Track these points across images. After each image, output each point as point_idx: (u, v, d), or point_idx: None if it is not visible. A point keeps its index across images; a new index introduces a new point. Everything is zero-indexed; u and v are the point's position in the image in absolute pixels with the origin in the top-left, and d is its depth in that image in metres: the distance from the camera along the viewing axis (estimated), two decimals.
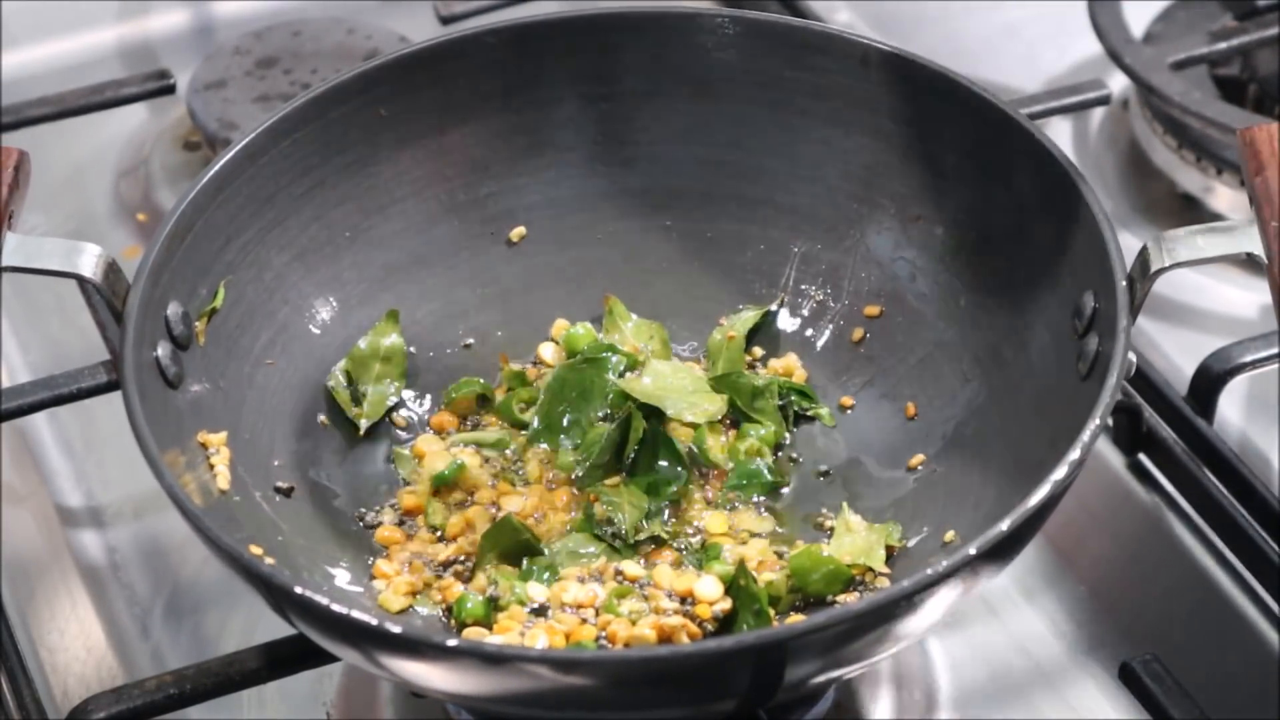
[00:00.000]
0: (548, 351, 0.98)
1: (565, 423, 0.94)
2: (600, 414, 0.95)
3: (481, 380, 0.96)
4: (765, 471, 0.93)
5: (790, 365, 0.97)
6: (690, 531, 0.91)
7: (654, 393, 0.94)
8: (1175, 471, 0.97)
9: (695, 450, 0.93)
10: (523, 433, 0.95)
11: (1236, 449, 0.97)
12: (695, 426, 0.94)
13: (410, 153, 0.97)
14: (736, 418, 0.95)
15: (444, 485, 0.92)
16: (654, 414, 0.93)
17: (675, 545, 0.90)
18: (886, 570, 0.88)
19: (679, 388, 0.95)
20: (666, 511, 0.91)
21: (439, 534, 0.91)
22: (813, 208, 0.99)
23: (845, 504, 0.91)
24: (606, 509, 0.91)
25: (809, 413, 0.96)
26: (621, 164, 1.00)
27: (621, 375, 0.95)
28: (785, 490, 0.93)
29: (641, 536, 0.90)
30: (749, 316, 0.98)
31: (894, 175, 0.96)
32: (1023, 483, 0.80)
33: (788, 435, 0.95)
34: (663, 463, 0.92)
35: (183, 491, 0.79)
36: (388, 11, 1.27)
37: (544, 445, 0.94)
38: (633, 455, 0.92)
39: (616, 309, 0.99)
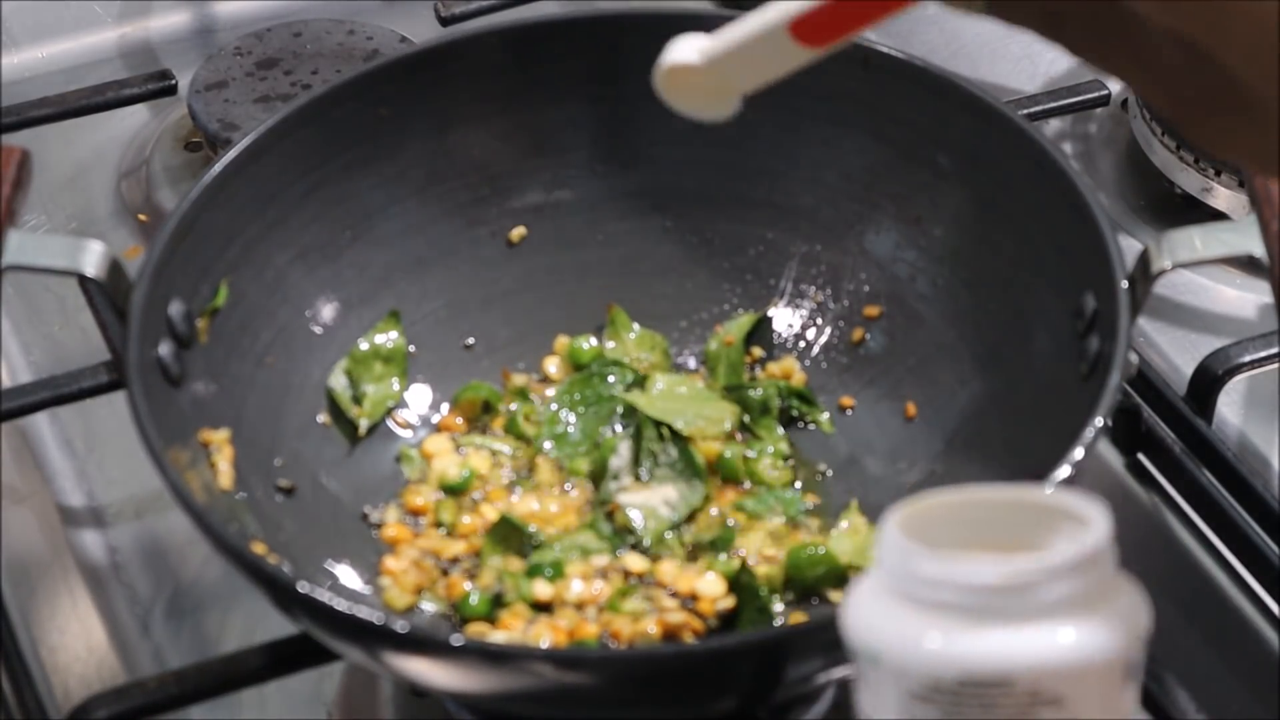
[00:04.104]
0: (552, 367, 0.98)
1: (574, 434, 0.95)
2: (609, 427, 0.95)
3: (490, 385, 0.97)
4: (797, 500, 0.92)
5: (789, 368, 0.97)
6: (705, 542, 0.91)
7: (661, 406, 0.94)
8: (1174, 471, 0.97)
9: (715, 462, 0.94)
10: (531, 445, 0.95)
11: (1235, 449, 0.97)
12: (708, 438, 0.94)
13: (411, 153, 0.97)
14: (744, 428, 0.95)
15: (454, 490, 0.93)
16: (668, 426, 0.94)
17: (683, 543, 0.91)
18: None
19: (685, 400, 0.95)
20: (683, 519, 0.92)
21: (447, 530, 0.91)
22: (813, 209, 0.99)
23: (855, 503, 0.91)
24: (627, 518, 0.91)
25: (807, 418, 0.96)
26: (621, 165, 1.00)
27: (628, 389, 0.96)
28: (807, 506, 0.93)
29: (662, 550, 0.90)
30: (744, 321, 0.98)
31: (894, 176, 0.96)
32: (1023, 483, 0.80)
33: (785, 445, 0.95)
34: (684, 476, 0.92)
35: (187, 488, 0.80)
36: (388, 12, 1.27)
37: (554, 452, 0.94)
38: (650, 466, 0.93)
39: (619, 318, 0.99)
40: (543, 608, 0.87)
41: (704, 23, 0.97)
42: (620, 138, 1.00)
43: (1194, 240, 0.84)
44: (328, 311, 0.96)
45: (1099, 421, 0.79)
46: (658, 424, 0.94)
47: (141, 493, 1.01)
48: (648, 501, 0.92)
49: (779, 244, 0.99)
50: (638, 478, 0.93)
